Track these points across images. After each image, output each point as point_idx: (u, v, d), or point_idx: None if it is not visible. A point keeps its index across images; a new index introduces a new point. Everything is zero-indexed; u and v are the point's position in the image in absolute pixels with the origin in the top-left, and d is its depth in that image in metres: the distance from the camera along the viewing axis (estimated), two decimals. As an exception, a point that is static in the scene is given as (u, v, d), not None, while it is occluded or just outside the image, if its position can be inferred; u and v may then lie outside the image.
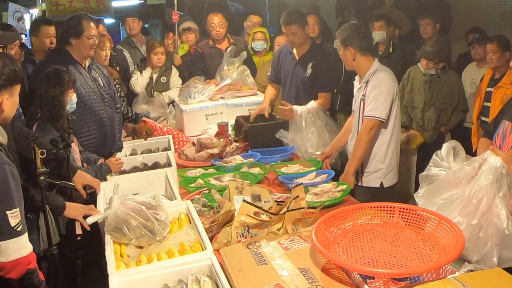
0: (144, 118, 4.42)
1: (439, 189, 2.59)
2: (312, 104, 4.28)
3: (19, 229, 2.02)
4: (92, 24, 3.75)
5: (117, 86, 4.41)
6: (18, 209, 2.02)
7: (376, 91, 3.39)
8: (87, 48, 3.72)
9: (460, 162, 2.68)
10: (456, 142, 2.77)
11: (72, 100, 3.33)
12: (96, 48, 4.10)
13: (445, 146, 2.77)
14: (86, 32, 3.69)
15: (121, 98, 4.40)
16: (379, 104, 3.37)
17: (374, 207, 2.30)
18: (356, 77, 3.67)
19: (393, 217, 2.24)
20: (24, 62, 4.76)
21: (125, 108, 4.39)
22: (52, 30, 4.92)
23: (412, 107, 5.11)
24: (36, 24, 5.08)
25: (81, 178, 3.04)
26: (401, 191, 4.57)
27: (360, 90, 3.55)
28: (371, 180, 3.56)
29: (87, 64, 3.83)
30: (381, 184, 3.55)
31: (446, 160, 2.69)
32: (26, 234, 2.07)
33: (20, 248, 2.05)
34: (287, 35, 4.38)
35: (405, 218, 2.21)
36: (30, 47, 5.33)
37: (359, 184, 3.59)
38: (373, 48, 3.80)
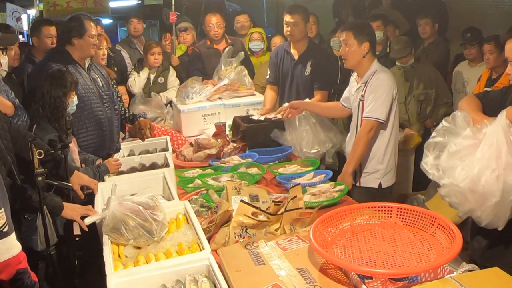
0: (141, 119, 4.42)
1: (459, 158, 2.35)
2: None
3: (5, 229, 1.99)
4: (92, 23, 3.79)
5: (114, 86, 4.41)
6: (3, 209, 1.98)
7: (376, 93, 3.39)
8: (89, 47, 3.76)
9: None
10: (465, 112, 2.48)
11: (73, 102, 3.34)
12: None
13: (459, 116, 2.43)
14: (89, 31, 3.73)
15: (118, 98, 4.41)
16: (379, 105, 3.38)
17: (372, 207, 2.31)
18: (353, 77, 3.65)
19: (391, 217, 2.24)
20: (24, 62, 4.76)
21: (122, 109, 4.40)
22: (53, 30, 4.92)
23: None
24: (37, 25, 5.08)
25: (78, 179, 3.04)
26: (399, 191, 4.58)
27: (359, 91, 3.53)
28: (369, 180, 3.56)
29: (87, 64, 3.84)
30: (380, 184, 3.55)
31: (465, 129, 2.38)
32: (13, 234, 2.04)
33: (9, 248, 2.02)
34: (288, 25, 4.33)
35: (403, 218, 2.21)
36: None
37: (357, 184, 3.58)
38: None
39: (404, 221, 2.20)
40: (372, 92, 3.41)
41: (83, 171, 3.19)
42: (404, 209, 2.22)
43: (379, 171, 3.53)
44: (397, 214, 2.23)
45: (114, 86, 4.43)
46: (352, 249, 2.05)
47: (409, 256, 1.97)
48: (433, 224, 2.11)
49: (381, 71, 3.46)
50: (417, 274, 1.96)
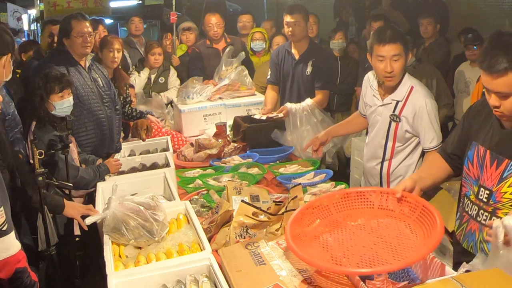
0: (139, 120, 4.43)
1: None
2: (308, 101, 4.28)
3: (4, 228, 1.99)
4: (83, 22, 3.72)
5: (127, 91, 4.49)
6: (2, 208, 1.98)
7: (431, 119, 2.94)
8: (78, 46, 3.71)
9: None
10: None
11: (62, 103, 3.20)
12: (103, 49, 4.26)
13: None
14: (74, 30, 3.68)
15: (130, 106, 4.53)
16: (438, 128, 2.96)
17: (343, 195, 2.24)
18: (373, 87, 3.16)
19: (372, 208, 2.18)
20: (31, 60, 4.81)
21: (129, 108, 4.45)
22: None
23: None
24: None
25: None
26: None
27: (388, 108, 3.05)
28: None
29: (87, 64, 3.84)
30: None
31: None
32: (13, 233, 2.04)
33: (8, 247, 2.02)
34: (289, 25, 4.31)
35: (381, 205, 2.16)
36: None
37: None
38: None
39: (382, 207, 2.15)
40: (424, 120, 2.93)
41: (83, 171, 3.19)
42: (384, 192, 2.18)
43: None
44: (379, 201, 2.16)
45: (128, 91, 4.52)
46: (337, 249, 1.97)
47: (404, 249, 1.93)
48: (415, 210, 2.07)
49: (419, 88, 2.96)
50: (411, 264, 1.96)
